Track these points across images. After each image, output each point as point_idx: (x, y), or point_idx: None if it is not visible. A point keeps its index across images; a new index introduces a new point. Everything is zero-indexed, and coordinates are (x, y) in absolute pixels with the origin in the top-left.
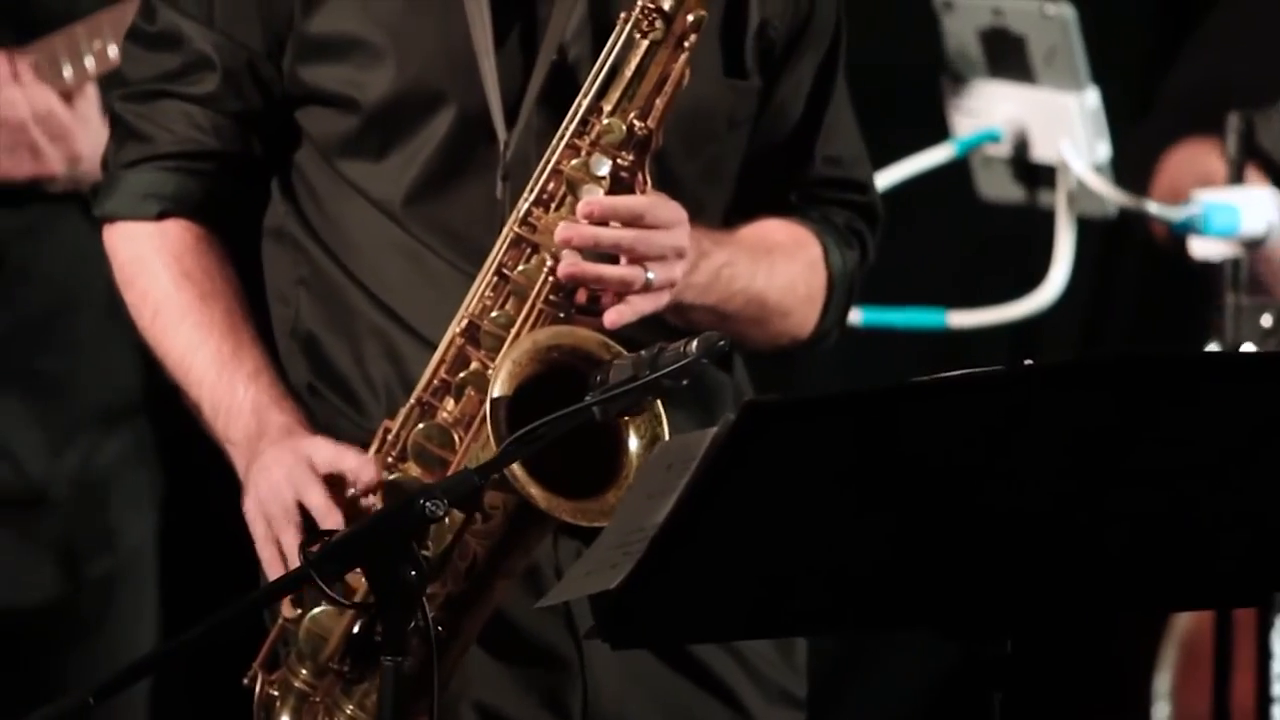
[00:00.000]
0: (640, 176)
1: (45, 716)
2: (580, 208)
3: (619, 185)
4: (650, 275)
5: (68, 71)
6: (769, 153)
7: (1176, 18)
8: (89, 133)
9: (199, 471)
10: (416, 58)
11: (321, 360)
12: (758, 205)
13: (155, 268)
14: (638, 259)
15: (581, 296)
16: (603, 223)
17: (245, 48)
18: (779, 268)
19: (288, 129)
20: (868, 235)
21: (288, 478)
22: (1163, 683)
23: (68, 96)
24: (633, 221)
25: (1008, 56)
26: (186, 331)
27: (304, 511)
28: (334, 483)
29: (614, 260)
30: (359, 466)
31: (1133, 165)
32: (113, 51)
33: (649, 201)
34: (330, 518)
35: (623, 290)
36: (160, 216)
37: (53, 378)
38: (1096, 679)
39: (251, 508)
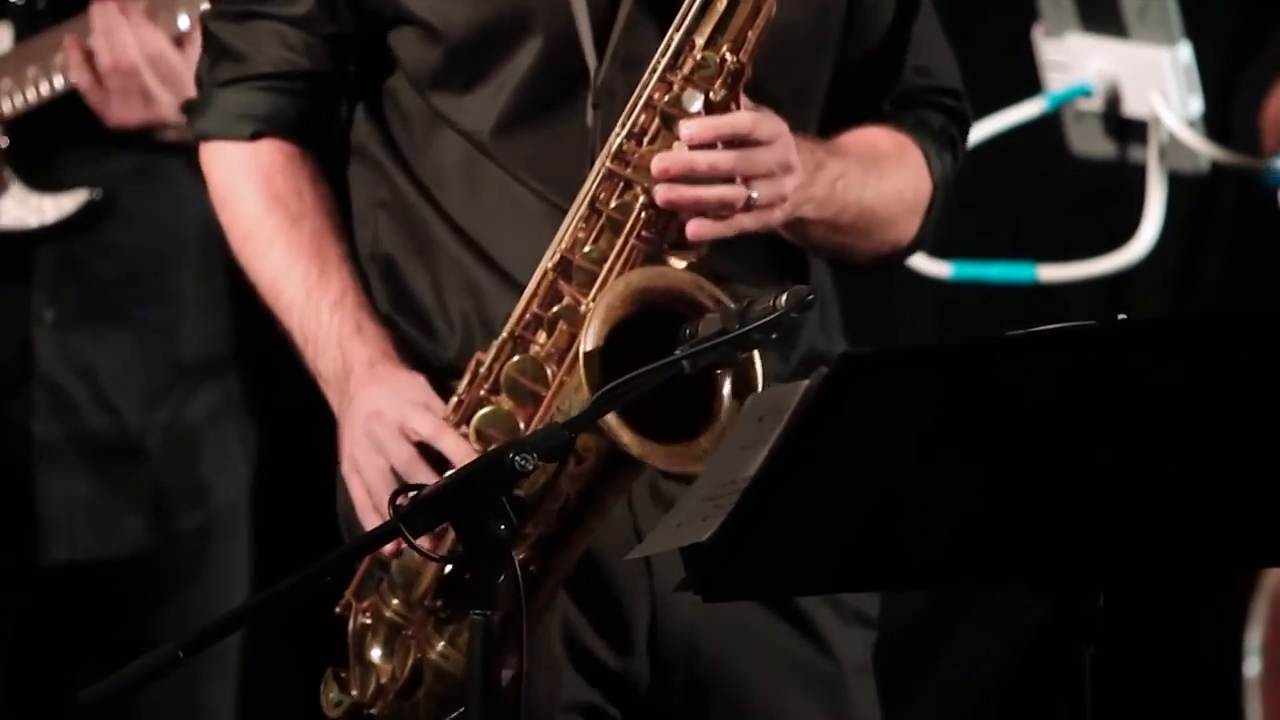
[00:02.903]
0: (733, 110)
1: (135, 669)
2: (682, 132)
3: None
4: (754, 194)
5: (182, 18)
6: (859, 67)
7: None
8: None
9: (293, 427)
10: None
11: (400, 287)
12: (852, 117)
13: (246, 190)
14: (743, 179)
15: (676, 229)
16: (705, 147)
17: None
18: (887, 176)
19: (381, 53)
20: (959, 140)
21: (382, 449)
22: (1254, 638)
23: (179, 42)
24: (736, 139)
25: (1100, 10)
26: (276, 255)
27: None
28: (426, 446)
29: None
30: (455, 453)
31: (1241, 114)
32: None
33: (751, 118)
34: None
35: (724, 211)
36: (254, 137)
37: (153, 327)
38: (1187, 635)
39: (350, 472)
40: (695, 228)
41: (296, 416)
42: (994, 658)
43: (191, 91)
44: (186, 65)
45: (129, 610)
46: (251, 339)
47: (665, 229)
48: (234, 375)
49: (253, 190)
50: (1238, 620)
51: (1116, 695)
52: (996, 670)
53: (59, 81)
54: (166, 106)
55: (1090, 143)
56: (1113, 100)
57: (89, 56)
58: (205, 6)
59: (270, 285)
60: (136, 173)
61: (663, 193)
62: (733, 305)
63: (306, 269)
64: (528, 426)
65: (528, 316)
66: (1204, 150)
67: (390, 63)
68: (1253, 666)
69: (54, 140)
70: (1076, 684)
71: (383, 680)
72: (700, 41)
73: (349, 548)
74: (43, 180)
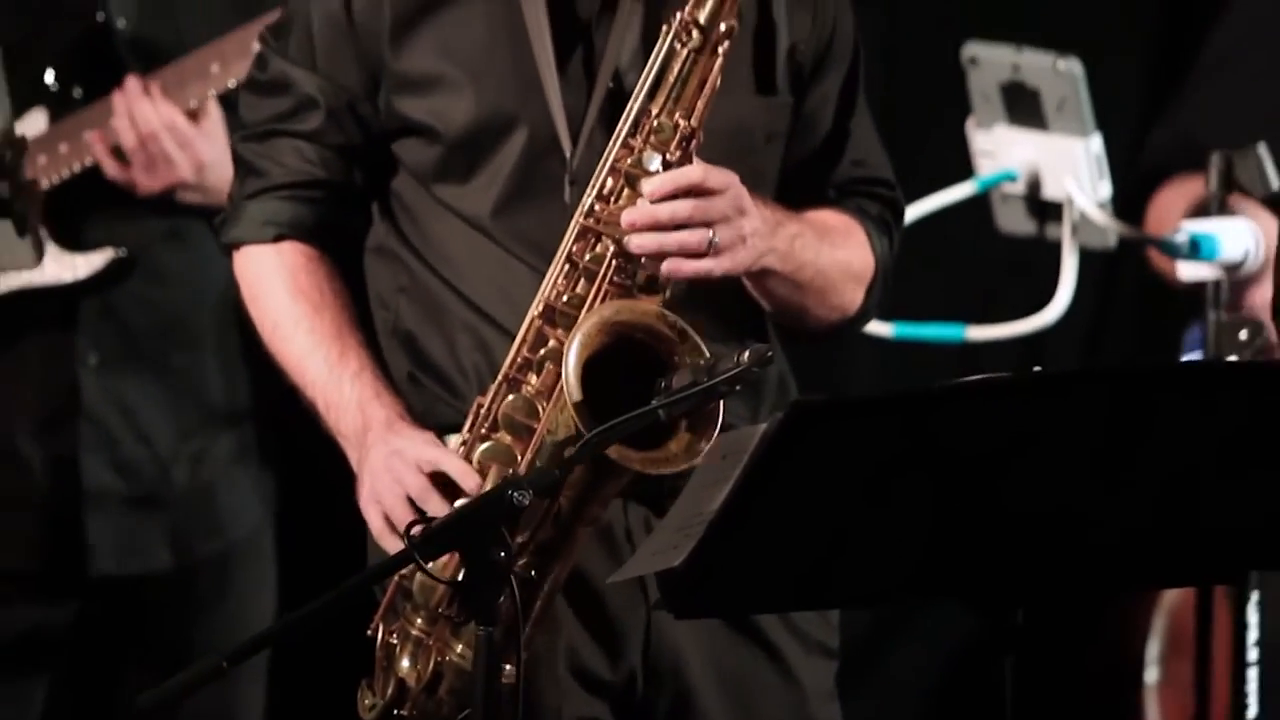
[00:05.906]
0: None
1: (184, 677)
2: (644, 188)
3: None
4: (715, 237)
5: (192, 95)
6: (804, 158)
7: (1169, 75)
8: (212, 143)
9: (313, 472)
10: (492, 88)
11: (419, 353)
12: (800, 202)
13: (274, 285)
14: (702, 224)
15: (644, 274)
16: (665, 199)
17: (345, 89)
18: (838, 247)
19: (386, 161)
20: (894, 227)
21: (399, 480)
22: (1153, 649)
23: (192, 115)
24: (692, 190)
25: (1024, 106)
26: (301, 339)
27: (414, 505)
28: (437, 478)
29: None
30: (461, 475)
31: (1130, 200)
32: (230, 74)
33: (702, 169)
34: (440, 511)
35: (689, 253)
36: (277, 239)
37: (181, 373)
38: (1096, 646)
39: (368, 503)
40: (669, 266)
41: (314, 463)
42: (928, 664)
43: (204, 154)
44: (198, 132)
45: (165, 623)
46: (266, 394)
47: (634, 274)
48: (250, 425)
49: (280, 285)
50: (1140, 634)
51: (1033, 700)
52: (930, 676)
53: (89, 159)
54: (184, 167)
55: (1014, 221)
56: (1034, 184)
57: (113, 149)
58: (212, 92)
59: (297, 364)
60: (167, 234)
61: (635, 242)
62: (703, 360)
63: (328, 351)
64: (523, 456)
65: (519, 360)
66: (1112, 227)
67: (394, 168)
68: (1152, 675)
69: (90, 205)
70: (999, 689)
71: (409, 683)
72: (655, 110)
73: (370, 571)
74: (80, 241)
